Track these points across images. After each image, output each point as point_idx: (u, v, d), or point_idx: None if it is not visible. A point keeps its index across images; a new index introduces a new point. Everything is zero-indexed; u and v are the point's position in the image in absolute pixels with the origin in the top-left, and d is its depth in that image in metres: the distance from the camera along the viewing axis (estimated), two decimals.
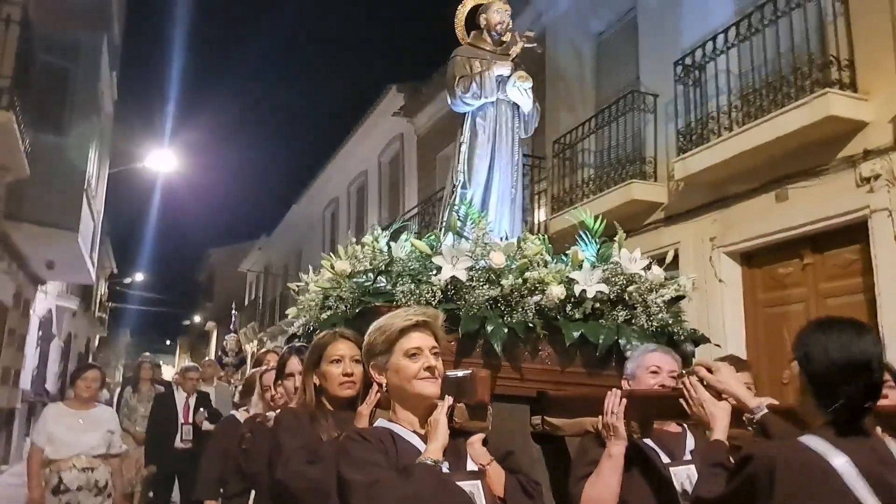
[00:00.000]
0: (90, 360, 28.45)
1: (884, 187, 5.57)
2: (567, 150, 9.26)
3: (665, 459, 2.41)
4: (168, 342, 53.50)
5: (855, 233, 5.88)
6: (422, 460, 1.81)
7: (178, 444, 6.74)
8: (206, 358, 11.34)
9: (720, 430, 2.10)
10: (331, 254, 3.61)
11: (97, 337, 29.73)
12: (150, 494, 7.49)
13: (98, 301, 26.40)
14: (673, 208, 7.77)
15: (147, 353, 9.17)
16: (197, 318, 40.81)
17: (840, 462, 1.56)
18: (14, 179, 8.87)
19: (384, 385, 2.02)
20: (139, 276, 32.78)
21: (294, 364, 2.95)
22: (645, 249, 7.19)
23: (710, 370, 2.09)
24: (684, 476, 2.39)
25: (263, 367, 4.06)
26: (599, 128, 8.76)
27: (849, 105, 5.73)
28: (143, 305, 37.01)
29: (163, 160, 15.38)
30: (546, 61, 10.35)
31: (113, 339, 38.68)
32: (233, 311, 17.64)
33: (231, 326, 26.16)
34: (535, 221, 10.12)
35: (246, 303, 30.96)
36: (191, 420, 6.85)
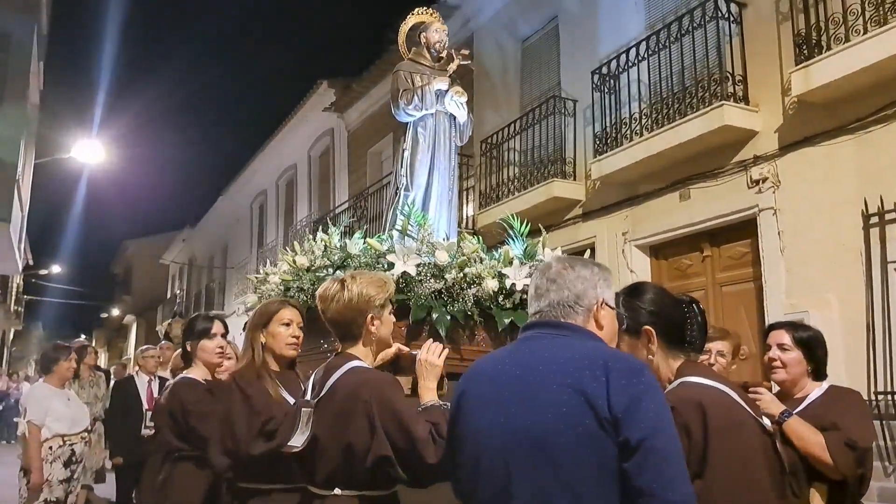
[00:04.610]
0: (4, 355, 27.45)
1: (770, 189, 6.38)
2: (494, 150, 9.84)
3: None
4: (83, 336, 51.63)
5: (746, 229, 6.69)
6: (434, 402, 2.27)
7: (143, 431, 6.08)
8: (163, 341, 10.75)
9: None
10: (289, 249, 4.06)
11: (12, 330, 28.69)
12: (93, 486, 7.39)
13: (15, 293, 25.52)
14: (590, 205, 8.47)
15: (58, 341, 8.82)
16: (115, 312, 39.68)
17: (723, 388, 1.76)
18: None
19: (375, 330, 2.38)
20: (56, 269, 31.64)
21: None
22: (564, 243, 7.90)
23: None
24: None
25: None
26: (524, 129, 9.37)
27: (741, 116, 6.52)
28: (59, 298, 35.76)
29: (89, 150, 15.14)
30: (474, 64, 10.87)
31: (27, 333, 37.23)
32: (177, 294, 17.40)
33: (175, 309, 25.80)
34: (464, 216, 10.67)
35: (168, 295, 30.44)
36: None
